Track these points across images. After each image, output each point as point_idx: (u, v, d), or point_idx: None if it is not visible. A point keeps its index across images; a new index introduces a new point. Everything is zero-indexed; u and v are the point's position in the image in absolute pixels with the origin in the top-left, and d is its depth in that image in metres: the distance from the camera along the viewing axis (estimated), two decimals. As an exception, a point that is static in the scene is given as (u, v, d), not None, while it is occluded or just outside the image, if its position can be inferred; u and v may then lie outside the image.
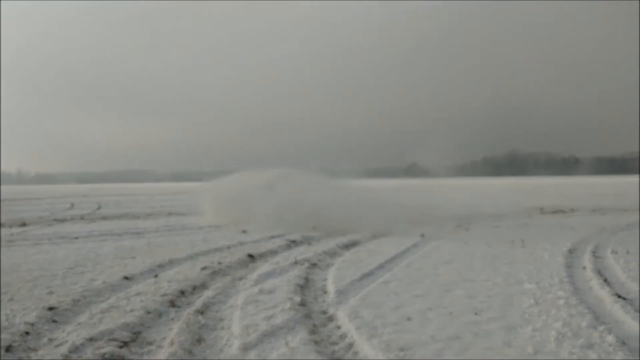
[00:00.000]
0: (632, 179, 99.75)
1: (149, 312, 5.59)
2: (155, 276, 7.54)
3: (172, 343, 4.58)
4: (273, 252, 9.67)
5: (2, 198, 42.77)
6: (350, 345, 4.48)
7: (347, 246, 10.45)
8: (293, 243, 10.81)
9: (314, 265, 8.28)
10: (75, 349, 4.48)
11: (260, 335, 4.71)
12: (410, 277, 7.20)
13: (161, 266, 8.29)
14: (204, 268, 7.95)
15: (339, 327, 5.00)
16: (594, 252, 9.13)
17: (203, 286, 6.92)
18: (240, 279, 7.35)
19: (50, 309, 5.71)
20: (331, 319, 5.31)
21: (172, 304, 6.03)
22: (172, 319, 5.44)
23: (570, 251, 9.26)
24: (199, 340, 4.69)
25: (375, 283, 6.84)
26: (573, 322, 4.80)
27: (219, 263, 8.38)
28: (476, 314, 5.27)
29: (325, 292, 6.50)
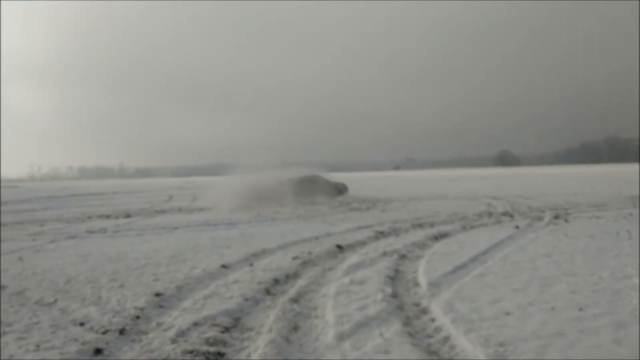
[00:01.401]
0: None
1: (246, 299, 5.85)
2: (251, 265, 7.85)
3: (270, 330, 4.76)
4: (361, 243, 9.71)
5: (107, 191, 46.46)
6: (446, 339, 4.42)
7: (437, 237, 10.25)
8: (381, 234, 10.78)
9: (403, 256, 8.21)
10: (182, 333, 4.79)
11: (354, 325, 4.76)
12: (506, 270, 6.93)
13: (255, 255, 8.62)
14: (295, 258, 8.17)
15: (433, 320, 4.94)
16: None
17: (295, 275, 7.11)
18: (331, 269, 7.46)
19: (157, 295, 6.14)
20: (425, 311, 5.26)
21: (268, 292, 6.26)
22: (269, 307, 5.65)
23: (687, 244, 8.46)
24: (295, 328, 4.84)
25: (469, 276, 6.66)
26: (694, 322, 4.40)
27: (309, 253, 8.56)
28: (581, 309, 4.98)
29: (416, 284, 6.44)
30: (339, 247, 9.20)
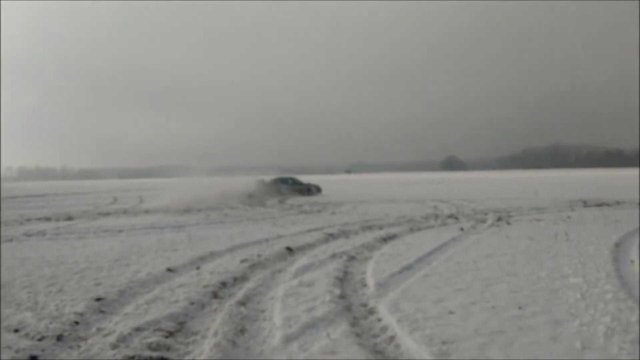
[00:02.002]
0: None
1: (192, 303, 5.72)
2: (198, 268, 7.70)
3: (215, 333, 4.66)
4: (311, 246, 9.71)
5: (48, 193, 44.44)
6: (392, 338, 4.47)
7: (385, 239, 10.39)
8: (331, 236, 10.82)
9: (352, 258, 8.28)
10: (123, 339, 4.62)
11: (302, 326, 4.75)
12: (451, 271, 7.11)
13: (202, 258, 8.45)
14: (243, 260, 8.07)
15: (379, 320, 4.99)
16: (642, 246, 8.80)
17: (244, 278, 7.03)
18: (280, 271, 7.42)
19: (98, 299, 5.91)
20: (372, 311, 5.30)
21: (215, 295, 6.14)
22: (215, 310, 5.54)
23: (617, 245, 8.95)
24: (242, 331, 4.77)
25: (415, 276, 6.79)
26: (622, 317, 4.65)
27: (258, 256, 8.48)
28: (520, 308, 5.17)
29: (364, 285, 6.49)
30: (289, 249, 9.16)
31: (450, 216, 15.10)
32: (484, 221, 13.44)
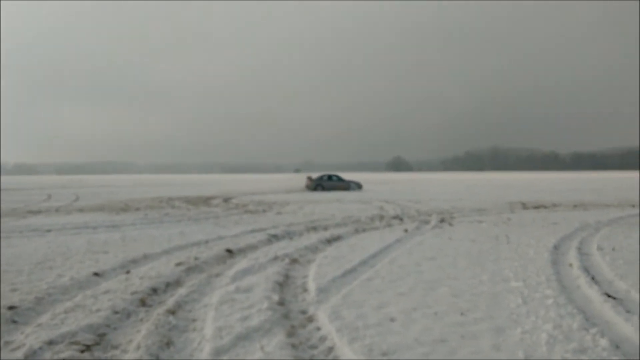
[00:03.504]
0: (611, 174, 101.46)
1: (116, 312, 5.25)
2: (127, 272, 7.19)
3: (138, 347, 4.25)
4: (253, 247, 9.35)
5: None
6: (330, 350, 4.21)
7: (330, 241, 10.18)
8: (274, 238, 10.49)
9: (294, 261, 7.99)
10: (33, 353, 4.13)
11: (235, 338, 4.40)
12: (394, 274, 6.95)
13: (134, 261, 7.93)
14: (179, 264, 7.61)
15: (318, 329, 4.72)
16: (579, 248, 8.99)
17: (177, 283, 6.59)
18: (217, 275, 7.02)
19: (11, 308, 5.34)
20: (311, 319, 5.03)
21: (143, 302, 5.70)
22: (141, 320, 5.11)
23: (556, 247, 9.11)
24: (168, 344, 4.37)
25: (357, 280, 6.57)
26: (564, 324, 4.58)
27: (196, 258, 8.04)
28: (462, 314, 5.03)
29: (305, 290, 6.21)
30: (229, 251, 8.77)
31: (395, 217, 15.09)
32: (427, 222, 13.49)
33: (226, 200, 25.18)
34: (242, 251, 8.95)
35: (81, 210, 18.77)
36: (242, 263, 7.78)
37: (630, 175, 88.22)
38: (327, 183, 35.26)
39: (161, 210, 18.07)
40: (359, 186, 35.74)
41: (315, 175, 37.95)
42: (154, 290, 6.16)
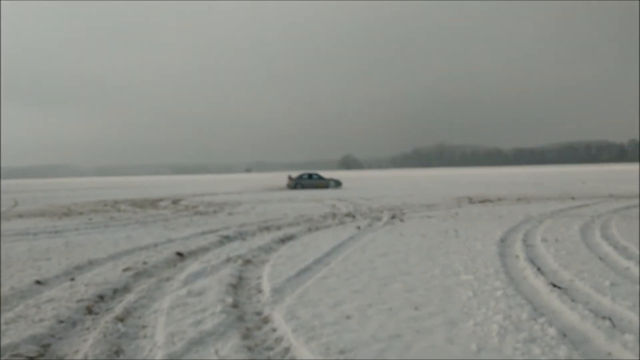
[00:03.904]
0: (551, 169, 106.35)
1: (61, 321, 4.99)
2: (72, 279, 6.86)
3: (85, 357, 4.05)
4: (204, 249, 9.15)
5: None
6: (287, 350, 4.15)
7: (283, 240, 10.11)
8: (226, 239, 10.31)
9: (248, 262, 7.88)
10: (-32, 371, 3.86)
11: (188, 343, 4.27)
12: (348, 271, 6.97)
13: (79, 268, 7.58)
14: (126, 269, 7.34)
15: (274, 330, 4.66)
16: (524, 240, 9.33)
17: (125, 289, 6.35)
18: (168, 280, 6.82)
19: (-57, 322, 4.98)
20: (266, 320, 4.95)
21: (89, 310, 5.45)
22: (88, 328, 4.88)
23: (502, 240, 9.41)
24: (117, 352, 4.19)
25: (312, 279, 6.55)
26: (513, 315, 4.72)
27: (144, 263, 7.78)
28: (416, 308, 5.10)
29: (260, 291, 6.13)
30: (180, 254, 8.54)
31: (348, 215, 15.19)
32: (379, 219, 13.64)
33: (175, 202, 24.60)
34: (193, 254, 8.74)
35: (21, 215, 17.83)
36: (193, 266, 7.59)
37: (568, 170, 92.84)
38: (306, 182, 36.46)
39: (106, 214, 17.43)
40: (337, 184, 36.64)
41: (295, 174, 39.15)
42: (101, 297, 5.91)
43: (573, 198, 20.44)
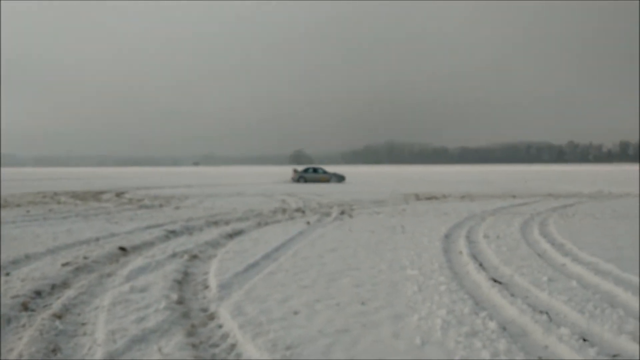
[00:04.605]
0: (495, 167, 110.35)
1: (-8, 320, 4.72)
2: (7, 274, 6.51)
3: (20, 355, 3.85)
4: (149, 244, 8.90)
5: None
6: (233, 347, 4.10)
7: (232, 235, 9.98)
8: (172, 234, 10.07)
9: (194, 257, 7.72)
10: None
11: (129, 341, 4.14)
12: (297, 266, 6.96)
13: (15, 262, 7.20)
14: (66, 264, 7.03)
15: (220, 326, 4.58)
16: (467, 236, 9.62)
17: (64, 285, 6.08)
18: (109, 275, 6.58)
19: None
20: (212, 317, 4.87)
21: (25, 307, 5.17)
22: (24, 326, 4.63)
23: (447, 236, 9.67)
24: (54, 351, 4.00)
25: (260, 275, 6.50)
26: (456, 309, 4.85)
27: (85, 258, 7.48)
28: (363, 303, 5.15)
29: (206, 287, 6.02)
30: (123, 249, 8.27)
31: (298, 210, 15.19)
32: (329, 215, 13.72)
33: (119, 194, 23.82)
34: (137, 249, 8.48)
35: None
36: (137, 261, 7.37)
37: (511, 169, 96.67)
38: (309, 175, 37.26)
39: (45, 206, 16.66)
40: (341, 178, 37.38)
41: (301, 167, 40.21)
42: (38, 293, 5.63)
43: (514, 196, 21.26)
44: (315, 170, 37.97)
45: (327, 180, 36.85)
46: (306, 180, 36.86)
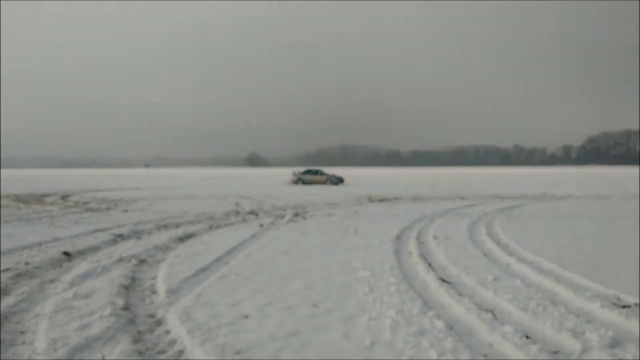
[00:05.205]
0: (444, 170, 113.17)
1: None
2: (-63, 283, 6.13)
3: (-50, 370, 3.64)
4: (95, 249, 8.60)
5: None
6: (181, 353, 4.02)
7: (182, 239, 9.79)
8: (119, 238, 9.78)
9: (142, 261, 7.53)
10: None
11: (71, 350, 3.98)
12: (249, 270, 6.90)
13: (-53, 270, 6.80)
14: (6, 270, 6.70)
15: (168, 332, 4.49)
16: (417, 237, 9.82)
17: (4, 292, 5.79)
18: (52, 281, 6.32)
19: None
20: (159, 323, 4.76)
21: (-43, 317, 4.90)
22: (-45, 338, 4.38)
23: (398, 237, 9.83)
24: (-11, 363, 3.81)
25: (211, 279, 6.40)
26: (405, 309, 4.94)
27: (26, 263, 7.15)
28: (314, 305, 5.17)
29: (154, 292, 5.88)
30: (67, 254, 7.96)
31: (251, 212, 15.07)
32: (282, 217, 13.68)
33: (64, 197, 22.94)
34: (82, 253, 8.19)
35: None
36: (81, 266, 7.11)
37: (459, 171, 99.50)
38: (307, 177, 37.21)
39: (-17, 210, 15.82)
40: (339, 180, 37.04)
41: (302, 169, 40.69)
42: (-28, 303, 5.34)
43: (463, 198, 21.87)
44: (314, 172, 37.62)
45: (323, 183, 36.46)
46: (304, 182, 36.73)
